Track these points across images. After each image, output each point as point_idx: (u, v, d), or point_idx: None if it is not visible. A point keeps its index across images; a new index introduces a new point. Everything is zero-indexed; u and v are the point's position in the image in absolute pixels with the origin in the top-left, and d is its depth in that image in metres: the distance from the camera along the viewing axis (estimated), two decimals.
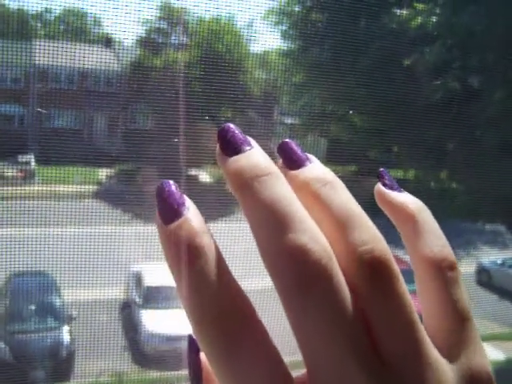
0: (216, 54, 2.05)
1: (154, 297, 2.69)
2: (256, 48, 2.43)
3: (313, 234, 0.21)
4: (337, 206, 0.23)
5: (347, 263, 0.22)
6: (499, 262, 3.03)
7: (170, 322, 2.43)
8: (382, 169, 0.27)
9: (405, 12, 2.35)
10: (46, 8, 2.08)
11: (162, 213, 0.23)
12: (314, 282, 0.21)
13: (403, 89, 2.10)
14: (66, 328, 2.34)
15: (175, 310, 2.53)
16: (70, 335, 2.32)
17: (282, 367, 0.21)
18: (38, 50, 1.83)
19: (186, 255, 0.21)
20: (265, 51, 2.44)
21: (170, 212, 0.22)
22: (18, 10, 1.89)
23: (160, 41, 2.41)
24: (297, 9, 2.50)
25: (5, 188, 2.16)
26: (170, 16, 2.24)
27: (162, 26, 2.32)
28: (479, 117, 2.31)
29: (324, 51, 2.18)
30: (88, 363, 2.11)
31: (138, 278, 2.65)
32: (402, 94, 2.08)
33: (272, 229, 0.21)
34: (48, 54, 1.74)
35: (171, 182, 0.23)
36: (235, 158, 0.23)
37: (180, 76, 2.09)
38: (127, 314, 2.59)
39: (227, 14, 2.01)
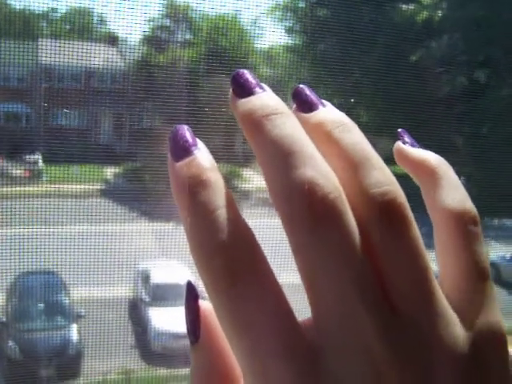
0: (221, 50, 2.04)
1: (161, 295, 2.69)
2: (261, 44, 2.43)
3: (322, 170, 0.21)
4: (350, 147, 0.23)
5: (358, 205, 0.21)
6: (508, 257, 3.02)
7: (178, 320, 2.43)
8: (400, 129, 0.27)
9: (411, 7, 2.34)
10: (51, 7, 2.08)
11: (172, 151, 0.23)
12: (321, 217, 0.20)
13: (410, 84, 2.09)
14: (74, 326, 2.35)
15: (183, 308, 2.53)
16: (79, 333, 2.33)
17: (287, 307, 0.21)
18: (43, 49, 1.83)
19: (194, 189, 0.21)
20: (270, 47, 2.44)
21: (180, 150, 0.22)
22: (23, 9, 1.90)
23: (165, 38, 2.40)
24: (301, 4, 2.49)
25: (12, 187, 2.17)
26: (175, 13, 2.24)
27: (166, 23, 2.32)
28: (487, 112, 2.30)
29: (330, 47, 2.17)
30: (96, 361, 2.12)
31: (145, 276, 2.65)
32: (409, 90, 2.07)
33: (280, 165, 0.21)
34: (53, 52, 1.74)
35: (185, 126, 0.23)
36: (247, 99, 0.23)
37: (186, 73, 2.09)
38: (135, 311, 2.60)
39: (232, 11, 2.01)
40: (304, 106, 0.25)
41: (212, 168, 0.22)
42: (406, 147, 0.26)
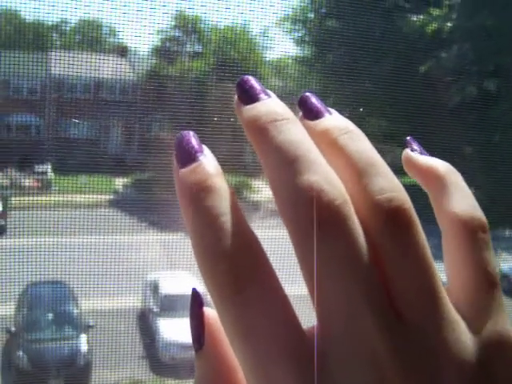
0: (230, 61, 2.05)
1: (170, 305, 2.69)
2: (271, 55, 2.43)
3: (327, 176, 0.21)
4: (356, 154, 0.23)
5: (364, 211, 0.21)
6: None
7: (187, 330, 2.42)
8: (409, 137, 0.27)
9: (420, 17, 2.33)
10: (62, 19, 2.10)
11: (178, 157, 0.23)
12: (327, 223, 0.20)
13: (420, 94, 2.08)
14: (83, 336, 2.35)
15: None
16: (87, 344, 2.33)
17: (292, 312, 0.20)
18: (53, 61, 1.85)
19: (199, 194, 0.21)
20: (280, 58, 2.44)
21: (186, 156, 0.22)
22: (34, 21, 1.91)
23: (174, 49, 2.42)
24: (311, 15, 2.50)
25: (22, 198, 2.18)
26: (184, 25, 2.25)
27: (176, 34, 2.33)
28: (498, 122, 2.29)
29: (339, 57, 2.17)
30: (105, 372, 2.11)
31: (154, 287, 2.65)
32: (419, 100, 2.07)
33: (285, 171, 0.21)
34: (64, 64, 1.75)
35: (191, 132, 0.23)
36: (252, 105, 0.23)
37: (195, 84, 2.09)
38: (144, 322, 2.59)
39: (241, 22, 2.01)
40: (310, 113, 0.25)
41: (217, 174, 0.22)
42: (415, 155, 0.26)
